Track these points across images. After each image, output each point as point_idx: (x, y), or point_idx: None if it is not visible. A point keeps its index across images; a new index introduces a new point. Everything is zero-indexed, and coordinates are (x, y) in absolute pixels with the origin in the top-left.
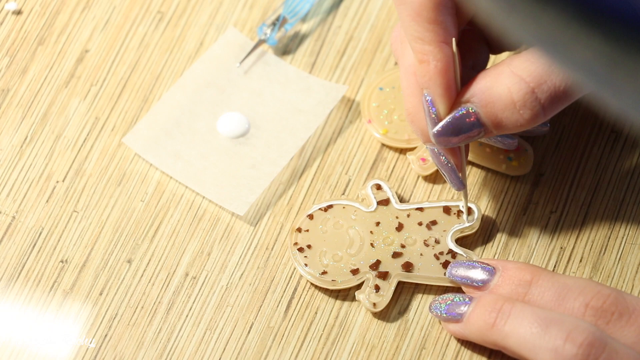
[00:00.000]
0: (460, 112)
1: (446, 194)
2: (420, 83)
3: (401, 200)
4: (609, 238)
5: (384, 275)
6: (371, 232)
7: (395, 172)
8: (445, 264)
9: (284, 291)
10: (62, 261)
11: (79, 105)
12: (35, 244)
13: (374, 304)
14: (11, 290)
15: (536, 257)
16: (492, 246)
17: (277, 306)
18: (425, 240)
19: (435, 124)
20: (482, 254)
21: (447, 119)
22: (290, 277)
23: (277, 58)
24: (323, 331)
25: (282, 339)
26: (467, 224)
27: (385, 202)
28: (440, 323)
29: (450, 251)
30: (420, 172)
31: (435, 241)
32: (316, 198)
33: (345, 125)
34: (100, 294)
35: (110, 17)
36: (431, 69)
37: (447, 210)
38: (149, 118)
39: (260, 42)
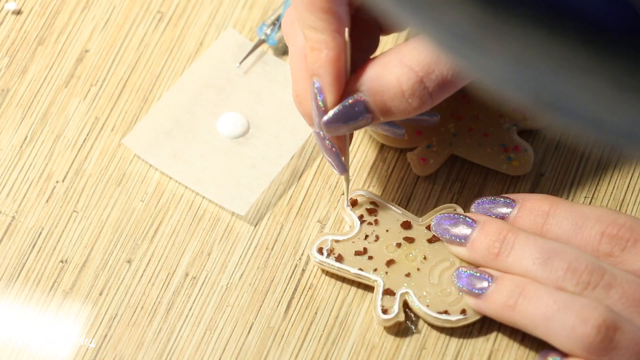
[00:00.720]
0: (350, 101)
1: (445, 195)
2: (311, 70)
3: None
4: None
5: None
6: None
7: (395, 172)
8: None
9: (284, 291)
10: (62, 261)
11: (79, 105)
12: (35, 244)
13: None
14: (11, 290)
15: None
16: None
17: (277, 306)
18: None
19: (321, 111)
20: None
21: (337, 107)
22: (291, 277)
23: (276, 58)
24: (323, 331)
25: (282, 339)
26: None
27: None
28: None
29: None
30: (420, 172)
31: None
32: (316, 198)
33: None
34: (100, 294)
35: (110, 17)
36: (322, 58)
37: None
38: (149, 119)
39: (260, 42)
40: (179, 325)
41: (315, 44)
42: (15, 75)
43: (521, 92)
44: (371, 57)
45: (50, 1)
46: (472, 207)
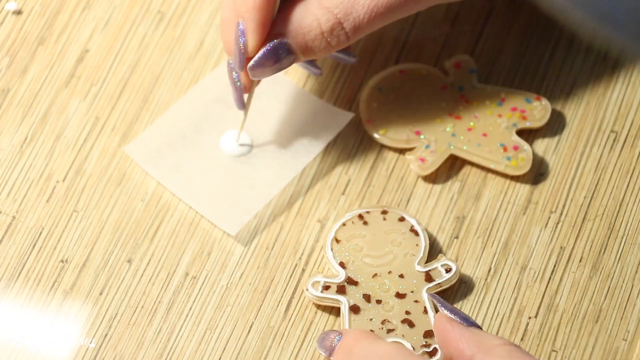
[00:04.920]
0: (273, 44)
1: (445, 195)
2: (237, 10)
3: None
4: (609, 238)
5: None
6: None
7: (395, 172)
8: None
9: (284, 291)
10: (62, 261)
11: (79, 105)
12: (35, 244)
13: (308, 291)
14: (11, 290)
15: (536, 257)
16: (492, 246)
17: (277, 306)
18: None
19: (242, 52)
20: (482, 254)
21: (262, 51)
22: (290, 277)
23: (288, 79)
24: (323, 330)
25: (282, 339)
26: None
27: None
28: None
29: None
30: (419, 172)
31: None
32: (316, 198)
33: (345, 126)
34: (100, 293)
35: (110, 17)
36: (250, 2)
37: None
38: (153, 129)
39: None
40: (179, 325)
41: None
42: (15, 75)
43: (627, 25)
44: None
45: (51, 1)
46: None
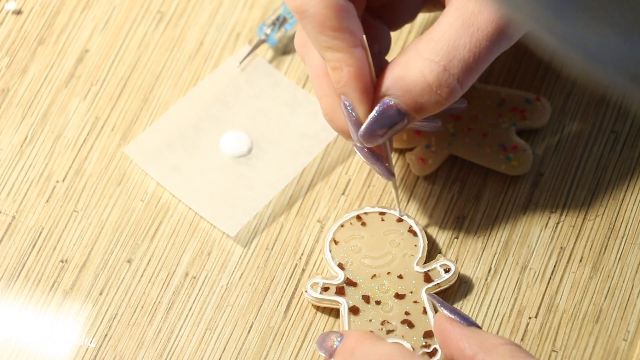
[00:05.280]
0: (381, 108)
1: (445, 195)
2: (337, 90)
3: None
4: (609, 238)
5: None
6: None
7: (395, 172)
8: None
9: (284, 291)
10: (62, 261)
11: (79, 105)
12: (35, 244)
13: (306, 293)
14: (11, 290)
15: (536, 257)
16: (492, 246)
17: (277, 306)
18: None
19: (357, 125)
20: (482, 254)
21: (370, 118)
22: (291, 277)
23: (288, 80)
24: (323, 331)
25: (282, 339)
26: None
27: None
28: None
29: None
30: (419, 172)
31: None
32: (316, 198)
33: None
34: (100, 293)
35: (110, 17)
36: (345, 76)
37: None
38: (153, 130)
39: (260, 42)
40: (179, 325)
41: (335, 64)
42: (15, 75)
43: (619, 69)
44: (389, 59)
45: (51, 1)
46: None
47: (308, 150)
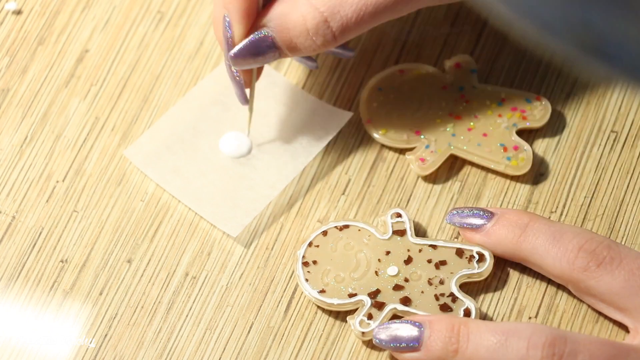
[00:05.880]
0: (257, 36)
1: (445, 195)
2: (223, 4)
3: (417, 232)
4: (609, 238)
5: (379, 306)
6: (379, 260)
7: (395, 172)
8: (444, 307)
9: (284, 291)
10: (62, 261)
11: (79, 105)
12: (35, 244)
13: (363, 333)
14: (11, 290)
15: None
16: None
17: (277, 306)
18: (430, 279)
19: (229, 44)
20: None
21: (244, 42)
22: (290, 277)
23: (286, 80)
24: (323, 331)
25: (282, 339)
26: (476, 270)
27: (401, 233)
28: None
29: (452, 294)
30: (419, 172)
31: (440, 281)
32: (316, 198)
33: (345, 125)
34: (100, 293)
35: (110, 17)
36: None
37: (459, 252)
38: (152, 132)
39: None
40: (179, 325)
41: None
42: (15, 75)
43: (566, 34)
44: None
45: (50, 1)
46: (446, 218)
47: (308, 150)
